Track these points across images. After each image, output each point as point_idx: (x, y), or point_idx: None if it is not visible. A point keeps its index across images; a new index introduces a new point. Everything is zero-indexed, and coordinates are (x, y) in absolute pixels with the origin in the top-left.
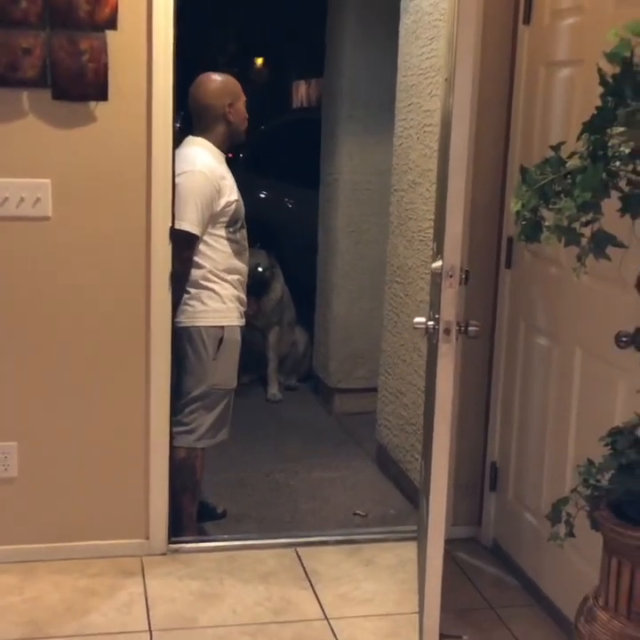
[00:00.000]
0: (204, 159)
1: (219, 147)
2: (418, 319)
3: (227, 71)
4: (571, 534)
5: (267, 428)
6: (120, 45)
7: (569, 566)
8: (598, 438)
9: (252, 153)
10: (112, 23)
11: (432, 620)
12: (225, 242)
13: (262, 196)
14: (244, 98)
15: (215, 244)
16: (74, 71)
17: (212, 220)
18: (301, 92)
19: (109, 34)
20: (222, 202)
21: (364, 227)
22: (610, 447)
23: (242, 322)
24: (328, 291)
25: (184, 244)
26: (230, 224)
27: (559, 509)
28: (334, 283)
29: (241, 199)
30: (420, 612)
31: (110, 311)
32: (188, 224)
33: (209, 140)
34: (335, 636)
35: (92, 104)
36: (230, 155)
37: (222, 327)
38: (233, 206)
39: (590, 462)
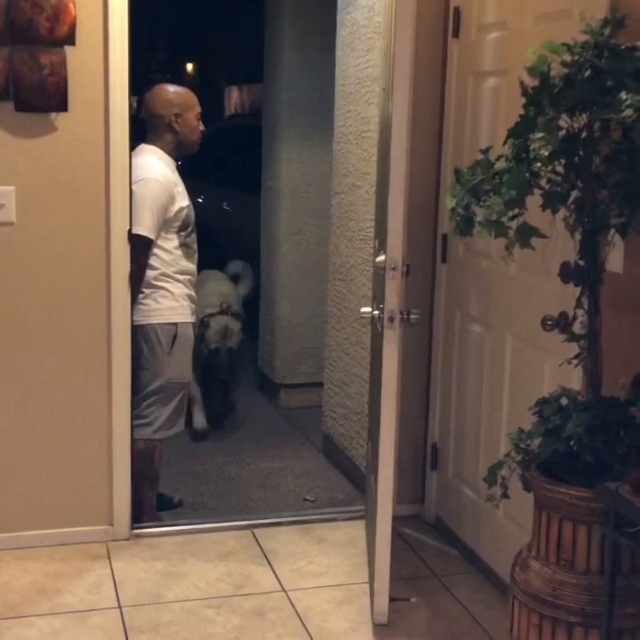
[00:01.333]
0: (157, 167)
1: (169, 154)
2: (364, 309)
3: (159, 77)
4: (505, 496)
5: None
6: (79, 60)
7: (505, 534)
8: (528, 408)
9: (191, 158)
10: (71, 39)
11: (382, 584)
12: (177, 245)
13: (200, 200)
14: (197, 110)
15: (167, 247)
16: (35, 84)
17: (165, 225)
18: (234, 98)
19: (68, 49)
20: (175, 208)
21: (306, 228)
22: (537, 415)
23: (193, 319)
24: (272, 291)
25: (140, 248)
26: (182, 228)
27: (494, 473)
28: (278, 283)
29: (191, 205)
30: (371, 579)
31: (73, 310)
32: (144, 229)
33: (159, 147)
34: (293, 605)
35: (53, 115)
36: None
37: (175, 324)
38: (185, 212)
39: (521, 430)
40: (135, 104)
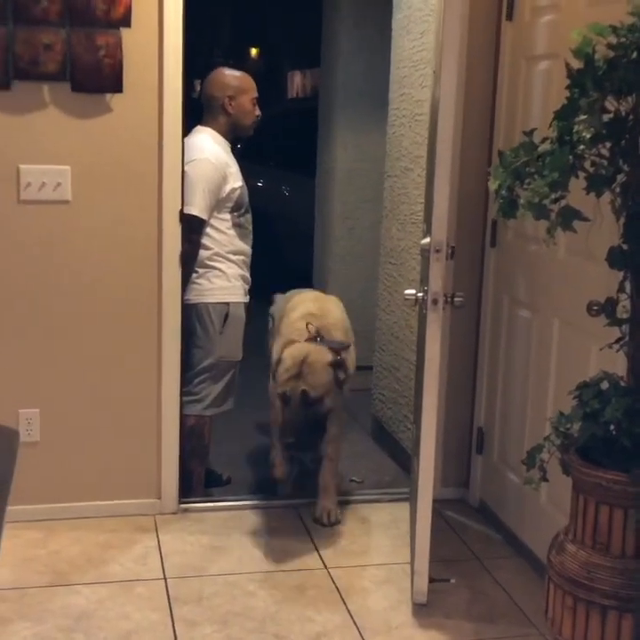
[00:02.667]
0: (210, 147)
1: (223, 136)
2: (408, 291)
3: (221, 61)
4: (544, 479)
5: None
6: (134, 41)
7: (547, 519)
8: (569, 392)
9: (250, 142)
10: (126, 21)
11: (422, 564)
12: (230, 225)
13: (259, 184)
14: (252, 94)
15: (221, 227)
16: (91, 65)
17: (218, 205)
18: (297, 82)
19: (124, 31)
20: (227, 188)
21: (359, 212)
22: (577, 399)
23: (246, 299)
24: (324, 275)
25: (192, 228)
26: (235, 209)
27: (534, 456)
28: (330, 267)
29: (245, 186)
30: (412, 559)
31: (125, 288)
32: (196, 209)
33: (214, 129)
34: (334, 582)
35: (108, 96)
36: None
37: (227, 303)
38: (237, 192)
39: (560, 413)
40: (198, 87)
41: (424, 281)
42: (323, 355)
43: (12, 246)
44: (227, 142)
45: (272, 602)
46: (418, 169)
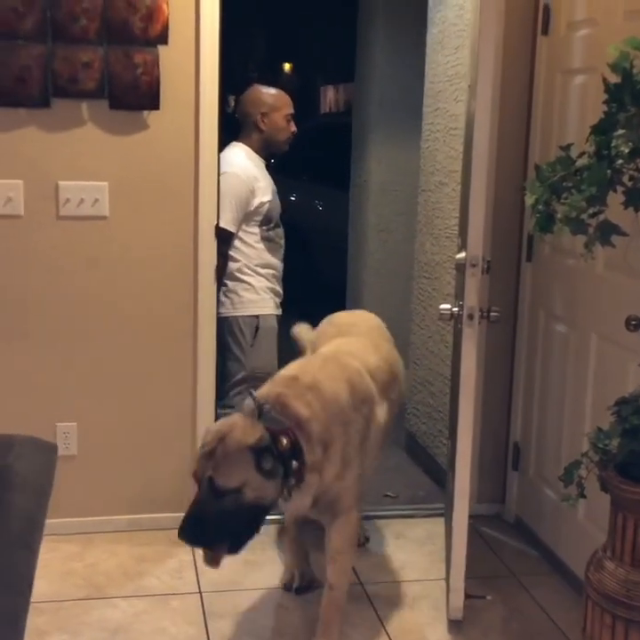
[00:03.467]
0: (239, 161)
1: (256, 151)
2: (444, 306)
3: (256, 76)
4: (582, 495)
5: None
6: (171, 59)
7: (585, 536)
8: (607, 408)
9: (283, 157)
10: (163, 39)
11: (458, 580)
12: (258, 239)
13: (292, 198)
14: (285, 111)
15: (249, 241)
16: (129, 83)
17: (246, 218)
18: (329, 97)
19: (161, 48)
20: (255, 202)
21: (393, 226)
22: (616, 415)
23: (277, 311)
24: (358, 288)
25: (221, 240)
26: (264, 222)
27: (571, 472)
28: (364, 280)
29: (277, 200)
30: (448, 575)
31: (161, 302)
32: (223, 221)
33: (247, 144)
34: (370, 598)
35: (145, 113)
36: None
37: (257, 316)
38: (266, 206)
39: (599, 429)
40: (232, 103)
41: (459, 295)
42: (245, 435)
43: (51, 261)
44: (260, 158)
45: (307, 617)
46: (452, 183)
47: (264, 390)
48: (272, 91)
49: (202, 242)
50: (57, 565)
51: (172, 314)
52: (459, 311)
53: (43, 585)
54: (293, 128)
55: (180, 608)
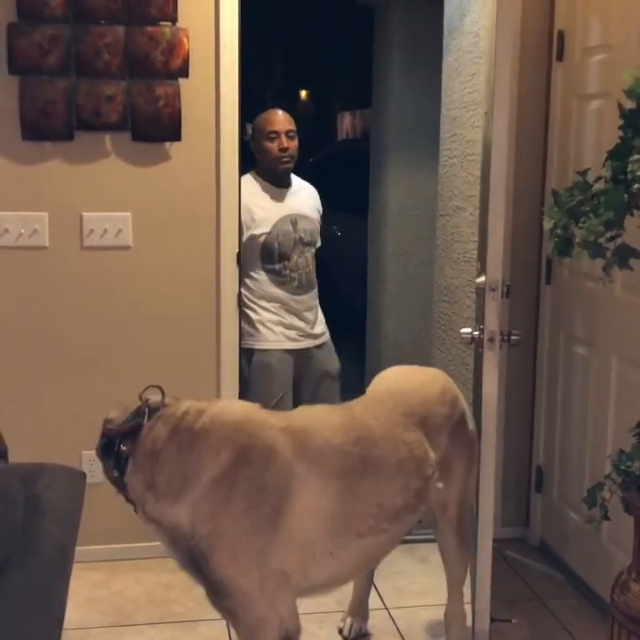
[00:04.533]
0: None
1: (264, 179)
2: (464, 330)
3: (273, 104)
4: (605, 517)
5: None
6: (191, 91)
7: (609, 558)
8: (629, 429)
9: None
10: (184, 72)
11: (483, 604)
12: (261, 271)
13: None
14: (267, 129)
15: (251, 272)
16: (151, 115)
17: (243, 249)
18: (346, 124)
19: (182, 81)
20: (247, 233)
21: (412, 250)
22: (638, 437)
23: (278, 345)
24: (378, 312)
25: None
26: (263, 255)
27: (594, 494)
28: (384, 305)
29: (287, 234)
30: (473, 599)
31: (184, 330)
32: None
33: (257, 172)
34: (395, 623)
35: (168, 144)
36: None
37: (251, 350)
38: (262, 239)
39: (621, 451)
40: (250, 131)
41: (479, 319)
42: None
43: (76, 291)
44: (271, 185)
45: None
46: (470, 208)
47: (188, 403)
48: (264, 113)
49: (224, 270)
50: (83, 592)
51: (194, 342)
52: (479, 335)
53: (70, 612)
54: (280, 145)
55: (208, 634)
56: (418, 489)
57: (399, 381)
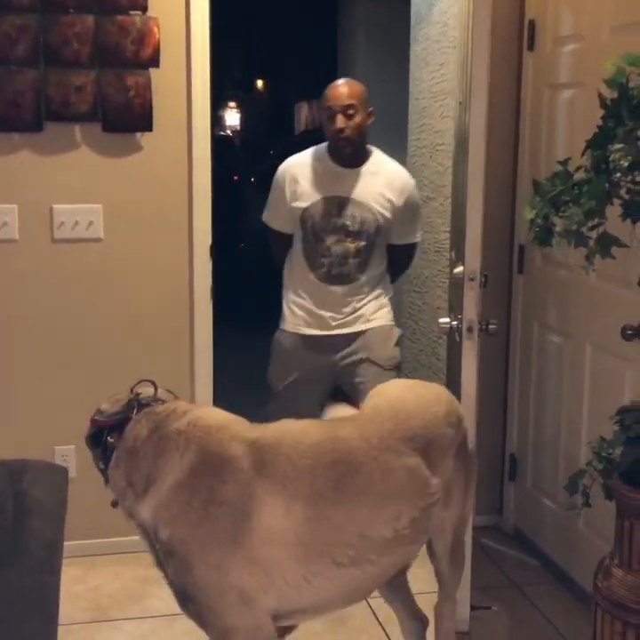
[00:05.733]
0: (292, 158)
1: (330, 151)
2: (443, 319)
3: (232, 94)
4: (587, 504)
5: None
6: (162, 81)
7: (585, 544)
8: (608, 417)
9: (265, 176)
10: (155, 61)
11: (463, 593)
12: (300, 248)
13: None
14: (326, 104)
15: (295, 247)
16: (121, 105)
17: (293, 221)
18: (304, 114)
19: (153, 71)
20: (290, 206)
21: None
22: (619, 424)
23: (295, 329)
24: None
25: (270, 236)
26: (305, 231)
27: (576, 481)
28: None
29: (320, 213)
30: None
31: (157, 323)
32: (264, 214)
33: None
34: (374, 613)
35: (139, 135)
36: (235, 177)
37: (280, 329)
38: (298, 214)
39: (602, 439)
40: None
41: (455, 309)
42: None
43: (47, 284)
44: (332, 161)
45: (313, 634)
46: (440, 198)
47: (180, 403)
48: (329, 86)
49: (197, 262)
50: (61, 589)
51: (168, 335)
52: (458, 325)
53: None
54: (333, 125)
55: (187, 629)
56: (414, 519)
57: (402, 399)
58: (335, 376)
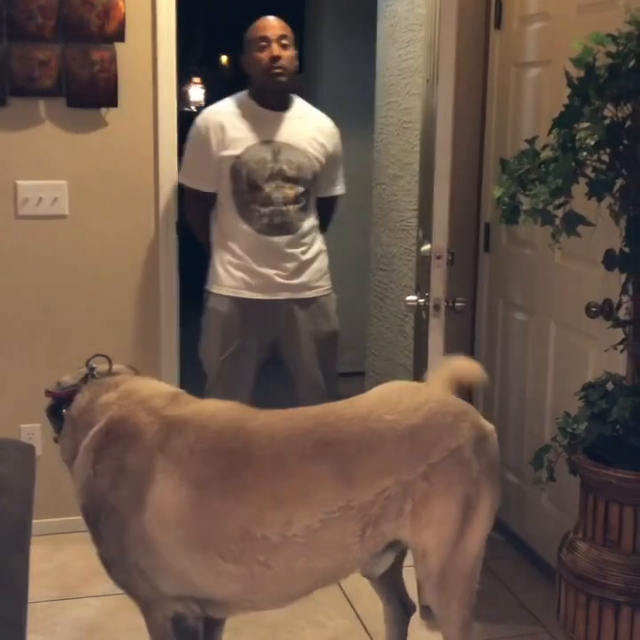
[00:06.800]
0: (212, 107)
1: (255, 98)
2: (410, 297)
3: (195, 69)
4: (551, 478)
5: None
6: (128, 56)
7: (549, 518)
8: (573, 393)
9: None
10: (120, 36)
11: None
12: (231, 202)
13: None
14: (255, 35)
15: (222, 203)
16: (86, 80)
17: (219, 176)
18: None
19: (118, 45)
20: (218, 156)
21: (347, 219)
22: (583, 400)
23: (233, 292)
24: None
25: (186, 199)
26: (238, 181)
27: (541, 456)
28: None
29: (255, 159)
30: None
31: (122, 299)
32: (180, 175)
33: (249, 90)
34: (342, 588)
35: (104, 110)
36: None
37: (209, 292)
38: (229, 163)
39: (567, 414)
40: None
41: (422, 287)
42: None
43: (11, 262)
44: (260, 106)
45: (281, 609)
46: (407, 176)
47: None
48: (255, 22)
49: (162, 238)
50: None
51: (134, 312)
52: (425, 302)
53: None
54: (270, 54)
55: None
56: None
57: (373, 397)
58: (274, 347)
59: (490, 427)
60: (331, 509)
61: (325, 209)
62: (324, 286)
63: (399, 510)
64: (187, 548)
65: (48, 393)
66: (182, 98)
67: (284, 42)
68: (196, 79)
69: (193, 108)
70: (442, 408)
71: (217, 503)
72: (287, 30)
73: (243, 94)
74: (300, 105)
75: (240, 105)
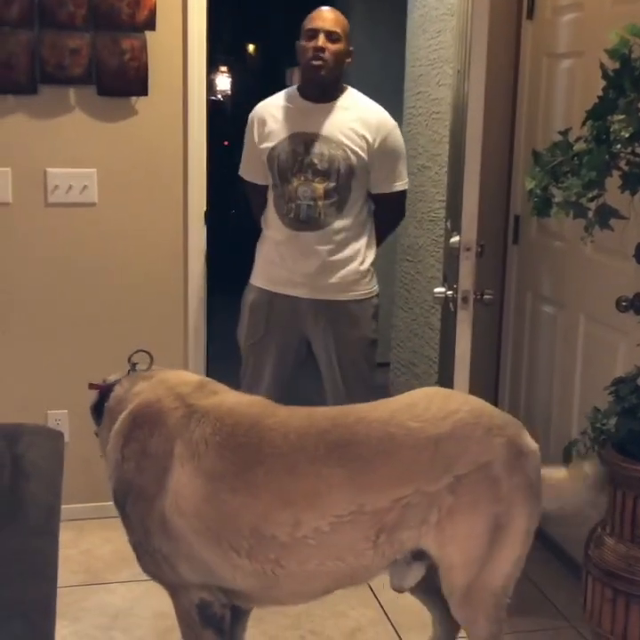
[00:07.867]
0: (263, 102)
1: (300, 90)
2: (438, 289)
3: (223, 58)
4: None
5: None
6: (158, 44)
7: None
8: (603, 388)
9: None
10: (151, 24)
11: None
12: (271, 194)
13: None
14: (307, 26)
15: (268, 195)
16: (117, 69)
17: (264, 166)
18: (295, 80)
19: (148, 34)
20: (259, 148)
21: None
22: (613, 395)
23: (261, 284)
24: None
25: (245, 190)
26: (272, 173)
27: (570, 451)
28: None
29: (285, 151)
30: None
31: (151, 288)
32: (240, 168)
33: (299, 84)
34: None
35: (134, 99)
36: (226, 143)
37: (248, 284)
38: (265, 155)
39: (596, 409)
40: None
41: (450, 279)
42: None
43: (40, 249)
44: (303, 98)
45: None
46: (436, 167)
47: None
48: (316, 10)
49: (191, 227)
50: None
51: (161, 300)
52: (453, 294)
53: None
54: (315, 45)
55: None
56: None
57: (401, 402)
58: (308, 345)
59: (532, 445)
60: (341, 513)
61: (383, 207)
62: (357, 291)
63: (422, 520)
64: (202, 539)
65: (92, 386)
66: (209, 86)
67: (334, 37)
68: (223, 68)
69: (219, 96)
70: (473, 419)
71: (229, 498)
72: (339, 25)
73: (293, 88)
74: (349, 96)
75: (288, 97)
